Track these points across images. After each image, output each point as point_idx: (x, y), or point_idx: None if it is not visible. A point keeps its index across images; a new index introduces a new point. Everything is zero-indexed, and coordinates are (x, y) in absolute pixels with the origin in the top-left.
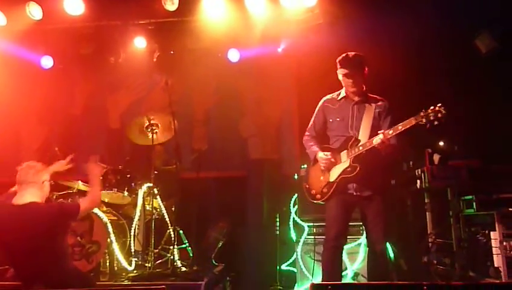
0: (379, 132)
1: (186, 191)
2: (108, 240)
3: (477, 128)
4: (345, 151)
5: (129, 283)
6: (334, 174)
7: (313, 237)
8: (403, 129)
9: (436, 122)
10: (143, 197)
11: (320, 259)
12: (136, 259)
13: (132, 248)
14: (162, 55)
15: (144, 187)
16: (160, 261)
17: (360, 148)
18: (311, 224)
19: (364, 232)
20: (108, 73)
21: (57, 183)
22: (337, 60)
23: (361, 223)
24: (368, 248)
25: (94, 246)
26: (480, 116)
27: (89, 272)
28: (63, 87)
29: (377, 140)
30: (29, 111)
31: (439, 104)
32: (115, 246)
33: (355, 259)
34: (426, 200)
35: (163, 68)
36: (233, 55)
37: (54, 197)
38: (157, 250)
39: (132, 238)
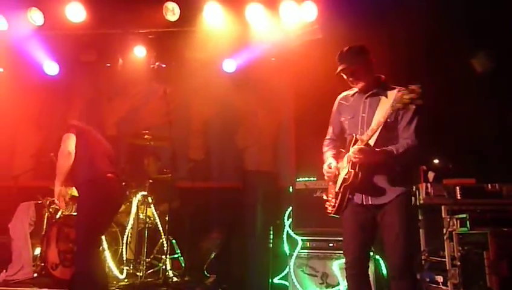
0: (357, 137)
1: (180, 200)
2: (100, 247)
3: (471, 147)
4: (347, 154)
5: None
6: (339, 183)
7: (306, 251)
8: (380, 126)
9: (412, 105)
10: (137, 206)
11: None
12: (127, 268)
13: (124, 256)
14: (161, 65)
15: (138, 195)
16: (151, 270)
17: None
18: (305, 238)
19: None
20: (107, 80)
21: (51, 189)
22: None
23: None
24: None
25: None
26: (475, 134)
27: None
28: (61, 93)
29: (354, 150)
30: (26, 116)
31: (411, 85)
32: (107, 254)
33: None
34: (420, 217)
35: (162, 77)
36: (229, 66)
37: (48, 202)
38: (149, 259)
39: (124, 247)
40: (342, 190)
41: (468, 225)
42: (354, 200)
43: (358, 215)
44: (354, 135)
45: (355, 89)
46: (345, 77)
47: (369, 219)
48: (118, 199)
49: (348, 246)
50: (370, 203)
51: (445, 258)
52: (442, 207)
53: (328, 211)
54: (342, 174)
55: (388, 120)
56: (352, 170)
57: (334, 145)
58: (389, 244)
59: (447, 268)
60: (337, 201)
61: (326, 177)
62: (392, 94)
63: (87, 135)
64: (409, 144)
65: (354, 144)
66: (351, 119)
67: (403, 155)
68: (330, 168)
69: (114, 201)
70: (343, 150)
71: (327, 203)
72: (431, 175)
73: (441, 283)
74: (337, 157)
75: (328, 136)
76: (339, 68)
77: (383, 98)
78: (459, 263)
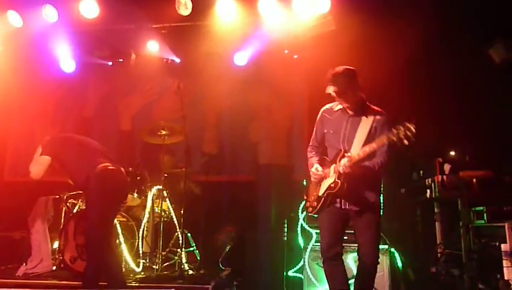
0: (346, 154)
1: (195, 194)
2: (117, 241)
3: (488, 139)
4: (333, 165)
5: (136, 284)
6: (323, 188)
7: None
8: (372, 150)
9: (405, 141)
10: (152, 200)
11: None
12: (143, 261)
13: (140, 249)
14: (174, 60)
15: (154, 189)
16: (167, 263)
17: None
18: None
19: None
20: (121, 76)
21: (67, 183)
22: (327, 77)
23: None
24: (358, 263)
25: None
26: (492, 126)
27: None
28: (76, 89)
29: (344, 163)
30: (42, 112)
31: (409, 121)
32: (124, 247)
33: None
34: (436, 210)
35: (175, 72)
36: (241, 59)
37: (65, 197)
38: (164, 252)
39: (140, 240)
40: (325, 195)
41: (485, 218)
42: (334, 204)
43: (334, 214)
44: (341, 149)
45: (339, 105)
46: (333, 95)
47: (343, 216)
48: (119, 186)
49: (323, 235)
50: (348, 207)
51: (461, 251)
52: (459, 200)
53: (308, 211)
54: (327, 182)
55: (369, 137)
56: (339, 181)
57: (317, 151)
58: (363, 243)
59: (464, 261)
60: (319, 204)
61: (313, 179)
62: (371, 116)
63: (65, 141)
64: (382, 161)
65: (341, 159)
66: (333, 134)
67: (378, 170)
68: (318, 171)
69: (116, 189)
70: (327, 158)
71: (307, 203)
72: (447, 167)
73: (457, 276)
74: (321, 164)
75: (311, 143)
76: (331, 89)
77: (364, 118)
78: (475, 256)
